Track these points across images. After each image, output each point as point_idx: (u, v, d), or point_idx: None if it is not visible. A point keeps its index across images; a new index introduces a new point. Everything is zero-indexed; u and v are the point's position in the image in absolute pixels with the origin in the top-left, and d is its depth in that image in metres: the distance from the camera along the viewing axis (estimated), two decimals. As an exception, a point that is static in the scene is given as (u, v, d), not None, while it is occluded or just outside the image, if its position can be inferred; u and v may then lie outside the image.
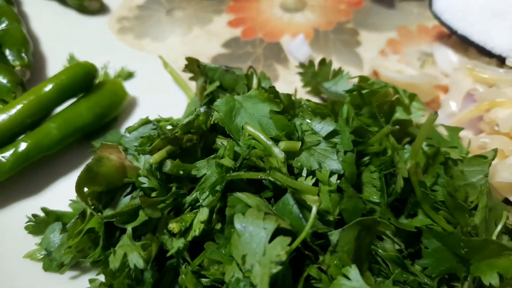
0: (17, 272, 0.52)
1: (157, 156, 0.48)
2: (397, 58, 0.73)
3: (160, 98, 0.70)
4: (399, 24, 0.83)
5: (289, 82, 0.73)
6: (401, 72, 0.70)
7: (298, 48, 0.76)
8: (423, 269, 0.46)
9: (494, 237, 0.46)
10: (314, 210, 0.41)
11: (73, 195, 0.57)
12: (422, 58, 0.77)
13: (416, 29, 0.82)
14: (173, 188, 0.49)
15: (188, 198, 0.50)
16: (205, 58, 0.74)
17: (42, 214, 0.54)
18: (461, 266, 0.44)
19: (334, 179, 0.48)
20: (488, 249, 0.42)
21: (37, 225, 0.54)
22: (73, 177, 0.61)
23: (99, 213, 0.47)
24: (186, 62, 0.64)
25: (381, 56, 0.76)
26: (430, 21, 0.83)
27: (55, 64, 0.73)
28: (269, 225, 0.40)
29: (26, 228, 0.54)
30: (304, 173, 0.49)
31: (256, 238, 0.39)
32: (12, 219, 0.57)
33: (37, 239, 0.54)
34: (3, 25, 0.70)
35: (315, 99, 0.71)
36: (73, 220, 0.50)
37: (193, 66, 0.64)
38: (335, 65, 0.70)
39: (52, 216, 0.54)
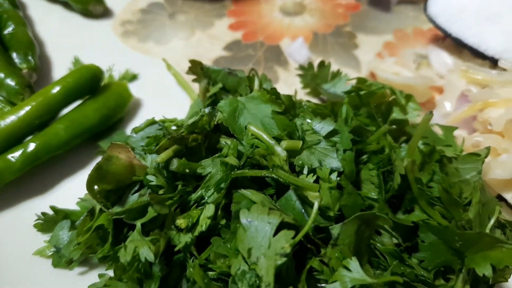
0: (27, 268, 0.53)
1: (164, 155, 0.50)
2: (393, 61, 0.76)
3: (164, 99, 0.71)
4: (396, 27, 0.85)
5: (289, 84, 0.75)
6: (398, 74, 0.72)
7: (297, 51, 0.78)
8: (419, 262, 0.48)
9: (487, 231, 0.48)
10: (316, 205, 0.43)
11: (81, 194, 0.59)
12: (417, 60, 0.79)
13: (412, 32, 0.85)
14: (179, 186, 0.51)
15: (194, 195, 0.52)
16: (207, 61, 0.76)
17: (50, 212, 0.56)
18: (456, 259, 0.46)
19: (334, 176, 0.50)
20: (482, 242, 0.44)
21: (46, 223, 0.55)
22: (80, 176, 0.63)
23: (109, 210, 0.49)
24: (189, 65, 0.66)
25: (378, 59, 0.78)
26: (425, 24, 0.85)
27: (60, 67, 0.75)
28: (274, 219, 0.42)
29: (35, 226, 0.56)
30: (305, 171, 0.51)
31: (261, 232, 0.41)
32: (21, 218, 0.58)
33: (46, 237, 0.56)
34: (10, 29, 0.72)
35: (315, 100, 0.73)
36: (82, 217, 0.52)
37: (197, 68, 0.66)
38: (334, 67, 0.72)
39: (60, 214, 0.55)
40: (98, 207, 0.51)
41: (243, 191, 0.47)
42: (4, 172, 0.57)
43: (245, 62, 0.77)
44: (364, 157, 0.55)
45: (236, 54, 0.78)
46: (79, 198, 0.58)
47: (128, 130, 0.67)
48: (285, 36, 0.82)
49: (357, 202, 0.50)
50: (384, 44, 0.82)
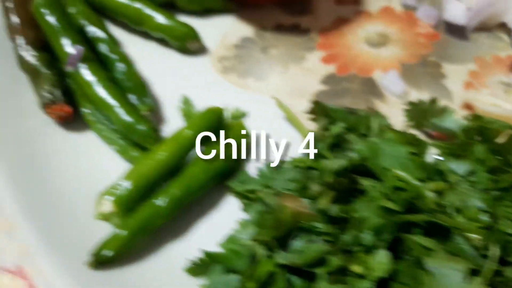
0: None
1: (326, 202, 0.53)
2: (488, 91, 0.79)
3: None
4: (475, 55, 0.89)
5: (389, 117, 0.77)
6: (496, 106, 0.75)
7: (392, 83, 0.81)
8: None
9: None
10: (496, 250, 0.46)
11: (217, 235, 0.60)
12: (505, 89, 0.83)
13: (492, 60, 0.88)
14: (336, 230, 0.54)
15: (347, 238, 0.54)
16: (308, 96, 0.79)
17: (200, 256, 0.58)
18: None
19: (483, 216, 0.53)
20: None
21: (198, 267, 0.57)
22: (214, 218, 0.65)
23: (276, 256, 0.51)
24: (291, 100, 0.69)
25: (472, 90, 0.81)
26: (502, 52, 0.89)
27: (168, 106, 0.77)
28: (459, 266, 0.45)
29: (188, 270, 0.58)
30: (452, 211, 0.54)
31: (451, 279, 0.44)
32: (168, 263, 0.60)
33: (192, 280, 0.58)
34: (122, 69, 0.74)
35: (418, 133, 0.75)
36: (244, 263, 0.54)
37: (317, 108, 0.69)
38: (425, 98, 0.75)
39: (211, 258, 0.57)
40: (261, 252, 0.53)
41: (413, 236, 0.50)
42: (155, 218, 0.59)
43: (343, 96, 0.80)
44: (497, 193, 0.58)
45: (333, 88, 0.81)
46: (224, 241, 0.60)
47: (248, 169, 0.69)
48: (375, 67, 0.85)
49: (501, 239, 0.53)
50: (469, 72, 0.85)
